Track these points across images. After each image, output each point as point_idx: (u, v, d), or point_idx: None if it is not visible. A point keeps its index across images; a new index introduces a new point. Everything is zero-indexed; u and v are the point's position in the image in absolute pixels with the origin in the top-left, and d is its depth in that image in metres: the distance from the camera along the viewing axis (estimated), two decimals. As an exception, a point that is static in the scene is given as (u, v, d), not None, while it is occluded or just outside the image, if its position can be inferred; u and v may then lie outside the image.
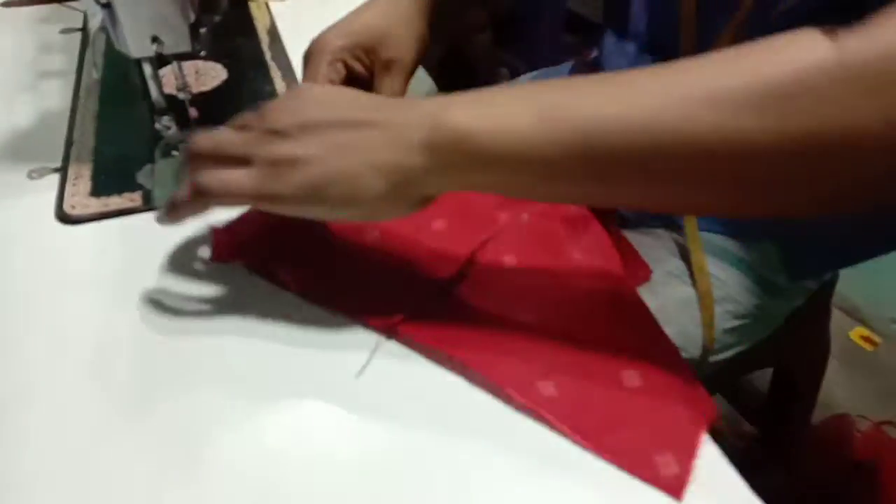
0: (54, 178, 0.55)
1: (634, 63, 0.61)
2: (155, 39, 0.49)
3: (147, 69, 0.51)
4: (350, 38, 0.52)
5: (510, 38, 1.61)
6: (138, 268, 0.47)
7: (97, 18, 0.72)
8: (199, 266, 0.47)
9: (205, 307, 0.44)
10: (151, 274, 0.46)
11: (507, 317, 0.42)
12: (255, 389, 0.39)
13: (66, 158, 0.57)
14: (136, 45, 0.49)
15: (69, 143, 0.59)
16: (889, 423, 0.97)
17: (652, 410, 0.36)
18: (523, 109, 0.34)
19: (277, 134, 0.37)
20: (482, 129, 0.34)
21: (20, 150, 0.59)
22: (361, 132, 0.36)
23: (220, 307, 0.44)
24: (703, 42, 0.51)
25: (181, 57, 0.53)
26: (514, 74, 1.54)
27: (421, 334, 0.40)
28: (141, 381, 0.40)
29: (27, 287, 0.46)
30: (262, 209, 0.38)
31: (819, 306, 0.74)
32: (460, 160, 0.35)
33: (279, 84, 0.68)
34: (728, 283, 0.58)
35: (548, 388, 0.37)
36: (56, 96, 0.67)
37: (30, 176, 0.56)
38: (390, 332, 0.41)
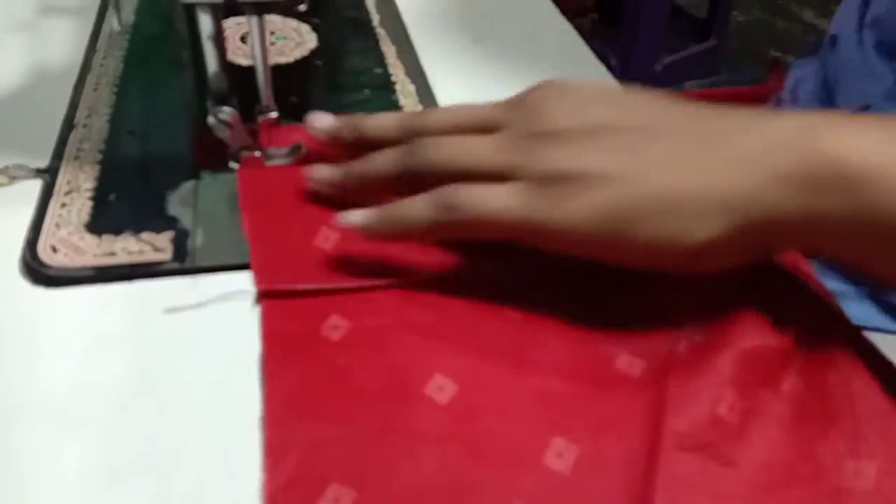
0: (33, 188, 0.33)
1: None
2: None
3: (206, 24, 0.29)
4: None
5: (610, 24, 1.59)
6: (167, 379, 0.25)
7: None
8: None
9: None
10: (195, 392, 0.25)
11: None
12: None
13: (59, 154, 0.35)
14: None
15: (68, 126, 0.37)
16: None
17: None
18: None
19: (553, 137, 0.27)
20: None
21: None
22: (688, 145, 0.26)
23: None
24: None
25: (265, 8, 0.30)
26: (604, 64, 1.45)
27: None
28: None
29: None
30: (527, 244, 0.27)
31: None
32: (841, 208, 0.24)
33: (391, 60, 0.45)
34: None
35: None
36: (63, 44, 0.45)
37: (-5, 177, 0.34)
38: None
